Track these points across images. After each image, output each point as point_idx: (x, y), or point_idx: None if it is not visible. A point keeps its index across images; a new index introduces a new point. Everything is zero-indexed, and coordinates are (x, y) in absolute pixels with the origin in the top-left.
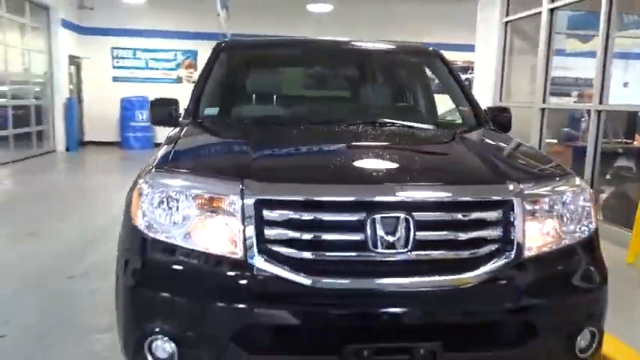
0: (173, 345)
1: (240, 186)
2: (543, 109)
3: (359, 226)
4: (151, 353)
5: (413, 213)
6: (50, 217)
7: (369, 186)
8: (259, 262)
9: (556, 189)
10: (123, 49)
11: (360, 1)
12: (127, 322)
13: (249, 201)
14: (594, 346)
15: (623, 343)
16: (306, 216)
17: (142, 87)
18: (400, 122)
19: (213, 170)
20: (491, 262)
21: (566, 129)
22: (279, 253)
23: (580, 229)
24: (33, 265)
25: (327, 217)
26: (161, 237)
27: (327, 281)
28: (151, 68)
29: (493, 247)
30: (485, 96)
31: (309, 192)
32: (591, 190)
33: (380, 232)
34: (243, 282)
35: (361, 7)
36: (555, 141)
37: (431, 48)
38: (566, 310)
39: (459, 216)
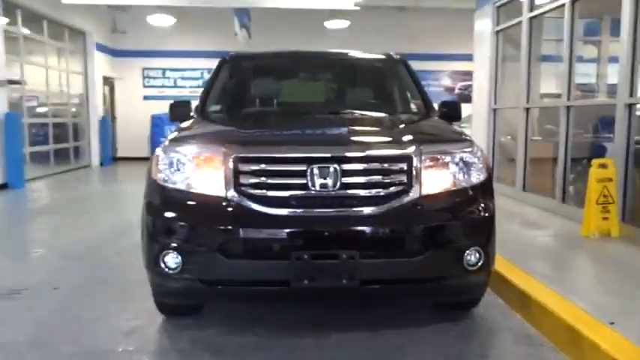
0: (179, 256)
1: (223, 149)
2: (527, 109)
3: (302, 174)
4: (164, 263)
5: (341, 164)
6: (89, 214)
7: (310, 147)
8: (235, 197)
9: (449, 150)
10: (153, 69)
11: (375, 16)
12: (148, 243)
13: (230, 158)
14: (480, 263)
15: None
16: (268, 167)
17: None
18: (359, 111)
19: (206, 141)
20: (397, 198)
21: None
22: (250, 192)
23: (471, 178)
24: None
25: (281, 167)
26: (172, 185)
27: (280, 210)
28: (179, 86)
29: (399, 188)
30: (481, 99)
31: (270, 151)
32: (482, 152)
33: (316, 177)
34: (224, 212)
35: (376, 22)
36: (540, 138)
37: (397, 56)
38: (453, 232)
39: (373, 167)
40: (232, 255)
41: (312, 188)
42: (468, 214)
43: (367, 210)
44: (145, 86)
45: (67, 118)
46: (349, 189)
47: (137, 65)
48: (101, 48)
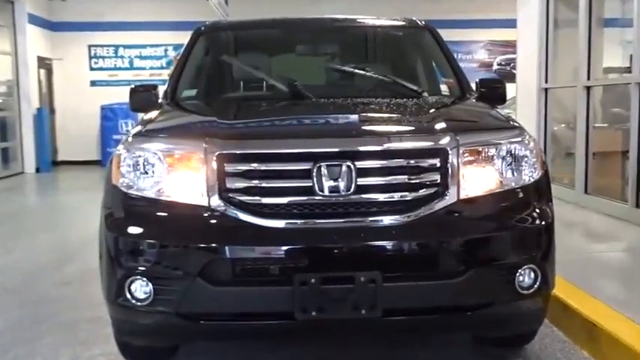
0: (150, 284)
1: (204, 144)
2: (588, 88)
3: (306, 174)
4: (131, 293)
5: (355, 161)
6: (25, 234)
7: (315, 140)
8: (221, 206)
9: (494, 140)
10: (102, 46)
11: None
12: (109, 268)
13: (213, 156)
14: (537, 284)
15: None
16: (262, 166)
17: (126, 92)
18: (373, 94)
19: (181, 134)
20: (428, 203)
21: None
22: (239, 199)
23: (522, 176)
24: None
25: (279, 166)
26: (138, 192)
27: (278, 222)
28: (136, 68)
29: (430, 190)
30: (528, 77)
31: (264, 146)
32: (535, 143)
33: (324, 178)
34: (207, 225)
35: None
36: (606, 125)
37: (422, 22)
38: (501, 245)
39: (397, 163)
40: (218, 281)
41: (320, 193)
42: (520, 223)
43: (390, 219)
44: (92, 69)
45: None
46: (367, 193)
47: (82, 42)
48: (35, 20)
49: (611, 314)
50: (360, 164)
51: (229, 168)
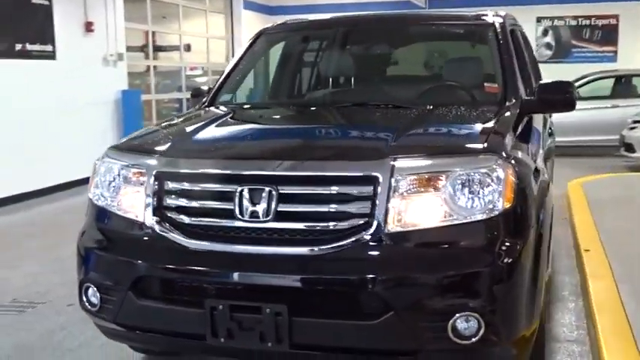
0: (98, 292)
1: (149, 160)
2: None
3: (229, 197)
4: (88, 298)
5: (278, 186)
6: None
7: (239, 161)
8: (154, 225)
9: (441, 168)
10: None
11: None
12: (77, 273)
13: (152, 173)
14: (481, 334)
15: None
16: (191, 186)
17: None
18: (390, 102)
19: (140, 147)
20: (352, 235)
21: None
22: (170, 218)
23: (475, 209)
24: None
25: (205, 187)
26: (100, 203)
27: (199, 243)
28: None
29: (356, 221)
30: None
31: (193, 165)
32: (510, 171)
33: (245, 202)
34: (140, 241)
35: None
36: None
37: (486, 17)
38: (429, 290)
39: (321, 191)
40: (146, 296)
41: (240, 217)
42: (458, 264)
43: (305, 250)
44: None
45: None
46: (287, 220)
47: None
48: (250, 6)
49: None
50: (283, 190)
51: (165, 186)
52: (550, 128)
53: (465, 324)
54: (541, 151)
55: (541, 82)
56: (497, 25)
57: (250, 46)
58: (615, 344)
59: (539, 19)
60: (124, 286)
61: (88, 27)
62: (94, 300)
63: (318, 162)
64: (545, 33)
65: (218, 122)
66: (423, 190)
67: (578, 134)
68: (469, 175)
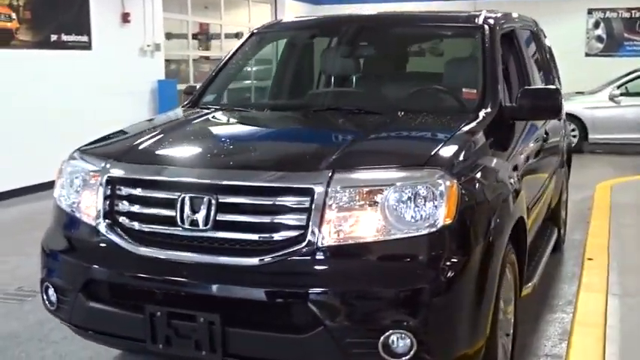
0: (55, 292)
1: (105, 165)
2: None
3: (172, 204)
4: (47, 296)
5: (218, 195)
6: None
7: (181, 169)
8: (103, 229)
9: (380, 181)
10: None
11: None
12: (40, 271)
13: (104, 177)
14: (413, 352)
15: None
16: (138, 192)
17: None
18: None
19: (100, 150)
20: (287, 247)
21: None
22: (120, 222)
23: (414, 224)
24: None
25: (150, 194)
26: (62, 205)
27: (143, 249)
28: None
29: (291, 233)
30: None
31: (139, 171)
32: (452, 186)
33: (186, 210)
34: (91, 245)
35: None
36: None
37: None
38: (358, 305)
39: (259, 201)
40: (93, 298)
41: (180, 224)
42: (391, 280)
43: (241, 260)
44: None
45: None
46: (225, 230)
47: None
48: None
49: None
50: (223, 199)
51: (117, 191)
52: (548, 132)
53: (398, 341)
54: (520, 159)
55: (525, 87)
56: (485, 27)
57: (241, 46)
58: None
59: (590, 11)
60: (75, 288)
61: (125, 18)
62: (53, 299)
63: (254, 172)
64: (596, 25)
65: (180, 127)
66: (362, 203)
67: (624, 132)
68: (410, 189)
